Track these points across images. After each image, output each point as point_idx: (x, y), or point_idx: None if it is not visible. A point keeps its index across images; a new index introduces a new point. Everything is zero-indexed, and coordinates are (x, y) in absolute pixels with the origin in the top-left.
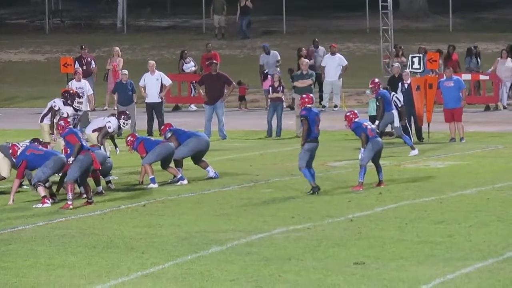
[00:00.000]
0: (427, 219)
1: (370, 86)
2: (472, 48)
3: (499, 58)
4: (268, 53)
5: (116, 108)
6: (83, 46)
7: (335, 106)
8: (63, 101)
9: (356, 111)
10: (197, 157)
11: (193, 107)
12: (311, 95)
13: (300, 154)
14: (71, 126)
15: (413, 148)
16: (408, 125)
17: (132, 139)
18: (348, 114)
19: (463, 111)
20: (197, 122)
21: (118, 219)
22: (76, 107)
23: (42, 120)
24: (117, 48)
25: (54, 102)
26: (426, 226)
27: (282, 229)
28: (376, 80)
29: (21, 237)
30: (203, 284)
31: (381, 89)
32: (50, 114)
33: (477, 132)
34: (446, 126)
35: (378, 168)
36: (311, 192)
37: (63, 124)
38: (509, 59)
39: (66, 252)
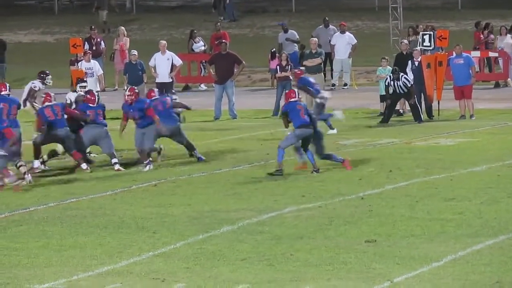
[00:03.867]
0: (437, 196)
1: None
2: None
3: (498, 36)
4: (285, 32)
5: (125, 88)
6: (93, 27)
7: (345, 85)
8: (40, 81)
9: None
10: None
11: (203, 86)
12: (295, 90)
13: (289, 134)
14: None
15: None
16: (418, 103)
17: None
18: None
19: (472, 88)
20: (207, 102)
21: (129, 199)
22: (47, 83)
23: (24, 105)
24: (123, 28)
25: (33, 83)
26: (437, 204)
27: (293, 208)
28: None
29: (33, 218)
30: (214, 264)
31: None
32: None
33: (487, 109)
34: (456, 103)
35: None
36: (273, 173)
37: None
38: (508, 35)
39: (78, 233)
